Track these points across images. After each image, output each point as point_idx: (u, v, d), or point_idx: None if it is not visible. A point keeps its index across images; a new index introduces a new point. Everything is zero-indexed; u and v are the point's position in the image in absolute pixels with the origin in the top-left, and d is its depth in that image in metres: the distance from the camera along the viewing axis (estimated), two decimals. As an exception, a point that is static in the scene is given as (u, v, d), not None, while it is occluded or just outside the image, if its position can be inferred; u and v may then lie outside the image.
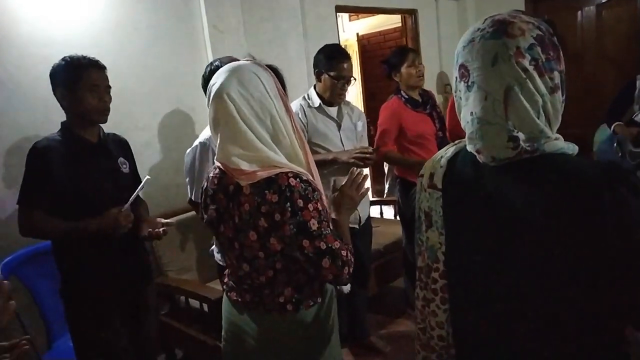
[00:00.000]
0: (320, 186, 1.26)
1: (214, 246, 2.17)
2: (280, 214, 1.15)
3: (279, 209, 1.15)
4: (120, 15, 2.65)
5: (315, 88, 2.42)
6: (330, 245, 1.17)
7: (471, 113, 0.88)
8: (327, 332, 1.34)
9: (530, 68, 0.82)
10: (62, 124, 1.79)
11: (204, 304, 2.33)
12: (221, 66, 1.95)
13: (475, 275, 0.94)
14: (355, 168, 1.48)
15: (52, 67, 1.75)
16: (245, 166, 1.18)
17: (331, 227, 1.22)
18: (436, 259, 1.00)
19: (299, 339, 1.29)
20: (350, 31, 5.92)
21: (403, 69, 2.76)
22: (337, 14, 3.90)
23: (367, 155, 2.28)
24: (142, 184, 1.79)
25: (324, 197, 1.25)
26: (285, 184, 1.15)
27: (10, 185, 2.28)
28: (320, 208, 1.20)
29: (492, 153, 0.86)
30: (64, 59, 1.73)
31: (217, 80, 1.24)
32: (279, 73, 1.32)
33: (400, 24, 4.96)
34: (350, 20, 5.96)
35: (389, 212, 3.96)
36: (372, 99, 5.58)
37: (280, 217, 1.15)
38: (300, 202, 1.15)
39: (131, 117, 2.66)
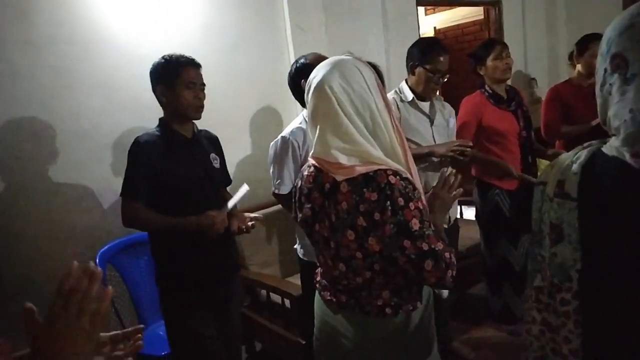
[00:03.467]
0: (419, 185, 1.20)
1: (297, 244, 2.16)
2: (380, 213, 1.10)
3: (379, 207, 1.10)
4: (208, 17, 2.74)
5: (407, 82, 2.34)
6: (433, 247, 1.11)
7: (631, 110, 0.77)
8: (427, 339, 1.29)
9: None
10: (160, 119, 1.86)
11: (285, 299, 2.35)
12: (307, 63, 1.95)
13: (627, 298, 0.81)
14: (446, 168, 1.41)
15: (152, 65, 1.81)
16: (344, 160, 1.15)
17: (433, 228, 1.15)
18: (568, 278, 0.88)
19: (399, 346, 1.23)
20: (426, 25, 5.75)
21: (489, 62, 2.62)
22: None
23: (467, 150, 2.17)
24: (242, 193, 1.82)
25: (423, 197, 1.20)
26: (384, 181, 1.10)
27: (109, 179, 2.42)
28: (422, 207, 1.14)
29: None
30: (163, 57, 1.79)
31: (318, 73, 1.21)
32: (378, 70, 1.29)
33: (478, 17, 4.76)
34: (426, 14, 5.80)
35: (468, 212, 3.80)
36: (448, 94, 5.39)
37: (380, 216, 1.10)
38: (401, 201, 1.10)
39: (218, 114, 2.72)
